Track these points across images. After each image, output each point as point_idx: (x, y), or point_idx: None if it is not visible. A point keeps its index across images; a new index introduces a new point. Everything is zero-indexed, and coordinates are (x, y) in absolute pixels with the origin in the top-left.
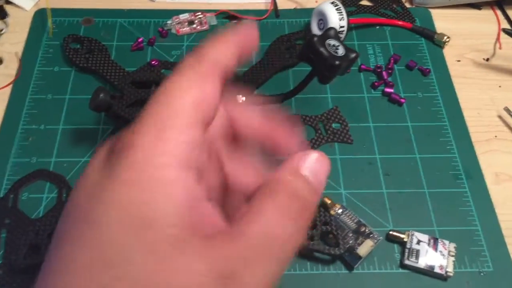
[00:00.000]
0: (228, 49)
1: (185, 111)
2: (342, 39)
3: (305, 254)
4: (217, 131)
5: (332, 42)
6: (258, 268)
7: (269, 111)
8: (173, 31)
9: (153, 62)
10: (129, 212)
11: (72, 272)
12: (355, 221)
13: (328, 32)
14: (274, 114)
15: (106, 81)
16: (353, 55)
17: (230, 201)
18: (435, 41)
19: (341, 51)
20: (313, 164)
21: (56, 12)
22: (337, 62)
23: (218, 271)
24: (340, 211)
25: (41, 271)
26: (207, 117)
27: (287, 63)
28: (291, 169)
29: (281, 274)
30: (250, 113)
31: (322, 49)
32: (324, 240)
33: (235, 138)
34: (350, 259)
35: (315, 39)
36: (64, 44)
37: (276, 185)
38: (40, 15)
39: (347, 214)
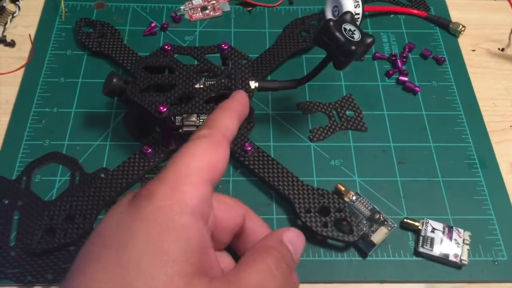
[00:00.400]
0: (233, 119)
1: (200, 172)
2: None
3: (319, 240)
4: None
5: (348, 26)
6: None
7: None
8: (186, 16)
9: (166, 47)
10: (153, 244)
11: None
12: (369, 208)
13: (344, 16)
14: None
15: (119, 65)
16: (369, 39)
17: (217, 237)
18: (450, 30)
19: (357, 35)
20: (292, 237)
21: None
22: (353, 47)
23: None
24: (354, 198)
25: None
26: (217, 178)
27: (301, 47)
28: (276, 238)
29: None
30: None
31: (338, 34)
32: (338, 227)
33: None
34: (364, 246)
35: (331, 23)
36: (76, 28)
37: (265, 250)
38: None
39: (361, 201)
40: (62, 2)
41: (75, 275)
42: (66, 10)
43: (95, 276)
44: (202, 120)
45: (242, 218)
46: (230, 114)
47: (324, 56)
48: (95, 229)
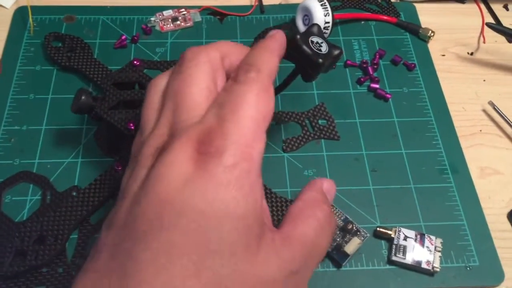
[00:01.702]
0: (275, 61)
1: (261, 123)
2: (327, 34)
3: None
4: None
5: (315, 39)
6: (311, 267)
7: None
8: (157, 28)
9: (135, 62)
10: (230, 212)
11: (176, 256)
12: (342, 218)
13: (311, 29)
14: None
15: (89, 80)
16: (336, 52)
17: None
18: (420, 35)
19: (324, 48)
20: (329, 187)
21: (36, 9)
22: (320, 60)
23: (288, 269)
24: None
25: (127, 260)
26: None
27: None
28: (320, 190)
29: None
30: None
31: (305, 47)
32: None
33: None
34: (338, 257)
35: (298, 37)
36: (45, 42)
37: (315, 205)
38: (20, 13)
39: (335, 212)
40: (30, 16)
41: (148, 241)
42: (35, 24)
43: (175, 243)
44: None
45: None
46: (272, 55)
47: (293, 68)
48: (154, 192)
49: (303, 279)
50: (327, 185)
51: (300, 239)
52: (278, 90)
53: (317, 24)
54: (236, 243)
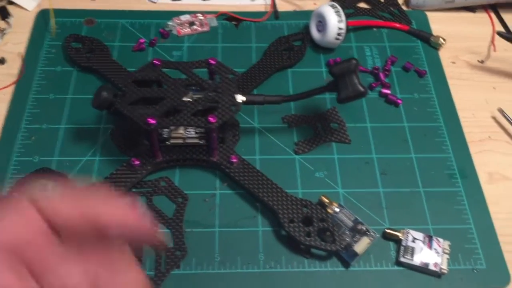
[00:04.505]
0: None
1: None
2: (340, 40)
3: (302, 251)
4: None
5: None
6: None
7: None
8: (174, 32)
9: (155, 62)
10: None
11: None
12: (352, 219)
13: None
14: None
15: (107, 80)
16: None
17: None
18: (431, 43)
19: (359, 79)
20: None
21: (58, 12)
22: (363, 90)
23: None
24: (337, 209)
25: None
26: None
27: (285, 63)
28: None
29: None
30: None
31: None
32: (322, 237)
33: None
34: (346, 256)
35: (354, 61)
36: (65, 43)
37: None
38: (42, 16)
39: (344, 213)
40: (52, 19)
41: None
42: (56, 26)
43: None
44: (189, 132)
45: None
46: None
47: (326, 84)
48: None
49: None
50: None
51: None
52: (296, 97)
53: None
54: None
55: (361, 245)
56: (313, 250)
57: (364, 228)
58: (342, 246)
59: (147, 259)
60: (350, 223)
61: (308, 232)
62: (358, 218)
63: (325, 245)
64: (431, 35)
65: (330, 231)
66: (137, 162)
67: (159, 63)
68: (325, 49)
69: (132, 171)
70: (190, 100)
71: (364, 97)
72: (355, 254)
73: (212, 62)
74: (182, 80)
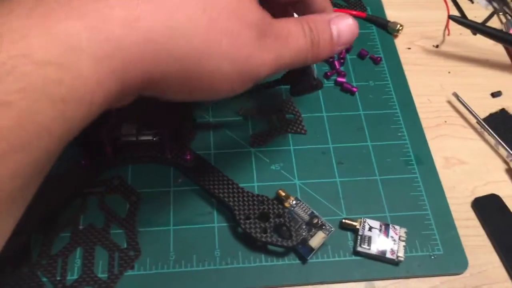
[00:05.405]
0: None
1: None
2: None
3: (259, 246)
4: None
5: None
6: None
7: None
8: None
9: None
10: None
11: None
12: (308, 213)
13: None
14: None
15: None
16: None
17: None
18: (389, 29)
19: (315, 72)
20: (342, 27)
21: None
22: (320, 85)
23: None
24: (294, 203)
25: None
26: None
27: None
28: (324, 19)
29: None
30: None
31: (312, 69)
32: (278, 232)
33: None
34: (303, 251)
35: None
36: None
37: (308, 21)
38: None
39: (301, 206)
40: None
41: None
42: None
43: None
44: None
45: None
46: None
47: (281, 77)
48: None
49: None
50: (341, 25)
51: (275, 26)
52: (259, 88)
53: None
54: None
55: (316, 240)
56: (270, 246)
57: (320, 222)
58: (298, 241)
59: (99, 261)
60: (306, 217)
61: (264, 228)
62: (314, 212)
63: (282, 241)
64: (388, 21)
65: (286, 227)
66: (86, 162)
67: None
68: None
69: (83, 172)
70: None
71: (319, 90)
72: (311, 249)
73: None
74: None
